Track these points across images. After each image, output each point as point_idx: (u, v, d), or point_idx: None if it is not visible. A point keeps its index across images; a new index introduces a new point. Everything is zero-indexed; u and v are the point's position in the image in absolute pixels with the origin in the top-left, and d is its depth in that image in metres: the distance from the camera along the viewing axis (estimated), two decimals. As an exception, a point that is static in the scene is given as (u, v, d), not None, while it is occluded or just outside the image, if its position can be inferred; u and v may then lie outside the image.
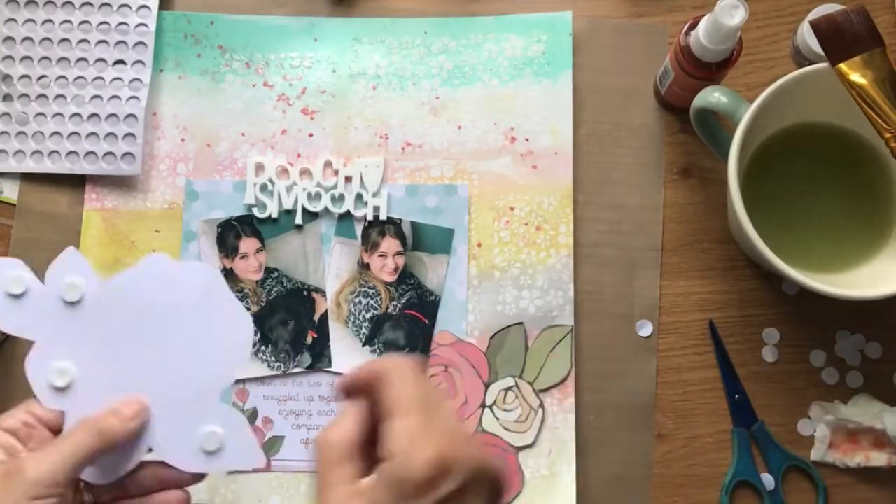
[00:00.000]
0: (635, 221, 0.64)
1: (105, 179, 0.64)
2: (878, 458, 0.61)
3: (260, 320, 0.62)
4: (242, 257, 0.63)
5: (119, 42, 0.65)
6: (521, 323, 0.62)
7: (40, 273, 0.63)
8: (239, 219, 0.64)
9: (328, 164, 0.64)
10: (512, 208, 0.64)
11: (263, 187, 0.64)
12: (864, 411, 0.61)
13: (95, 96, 0.65)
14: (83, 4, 0.66)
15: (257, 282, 0.63)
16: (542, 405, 0.61)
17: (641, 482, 0.61)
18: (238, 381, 0.62)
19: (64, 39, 0.65)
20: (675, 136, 0.65)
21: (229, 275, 0.63)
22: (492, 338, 0.62)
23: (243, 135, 0.65)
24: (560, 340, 0.62)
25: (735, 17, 0.55)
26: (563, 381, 0.61)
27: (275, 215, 0.63)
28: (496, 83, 0.65)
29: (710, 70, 0.59)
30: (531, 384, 0.62)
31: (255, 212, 0.64)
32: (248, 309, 0.62)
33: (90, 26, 0.66)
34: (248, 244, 0.63)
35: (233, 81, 0.66)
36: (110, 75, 0.65)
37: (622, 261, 0.64)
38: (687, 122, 0.62)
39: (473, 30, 0.66)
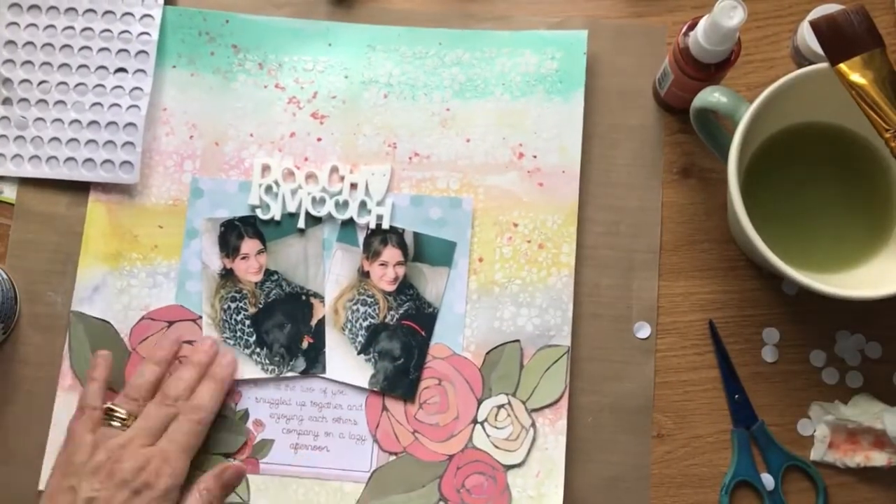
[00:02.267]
0: (633, 223, 0.64)
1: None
2: (878, 458, 0.60)
3: (257, 322, 0.63)
4: (243, 258, 0.63)
5: (121, 50, 0.66)
6: (517, 340, 0.62)
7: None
8: (242, 219, 0.64)
9: (334, 169, 0.64)
10: (515, 224, 0.64)
11: (268, 189, 0.64)
12: (864, 411, 0.61)
13: (96, 103, 0.65)
14: (86, 11, 0.66)
15: (257, 283, 0.63)
16: (533, 425, 0.61)
17: (640, 484, 0.61)
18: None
19: (66, 45, 0.66)
20: (674, 137, 0.65)
21: (229, 275, 0.63)
22: (487, 354, 0.62)
23: (252, 135, 0.65)
24: (556, 361, 0.62)
25: (734, 17, 0.55)
26: (557, 401, 0.61)
27: (278, 217, 0.64)
28: (507, 98, 0.65)
29: (709, 71, 0.59)
30: (524, 403, 0.61)
31: (259, 213, 0.64)
32: (246, 310, 0.63)
33: (93, 33, 0.66)
34: (249, 245, 0.64)
35: (244, 81, 0.66)
36: (111, 83, 0.65)
37: (620, 262, 0.64)
38: (686, 122, 0.62)
39: (488, 43, 0.66)
